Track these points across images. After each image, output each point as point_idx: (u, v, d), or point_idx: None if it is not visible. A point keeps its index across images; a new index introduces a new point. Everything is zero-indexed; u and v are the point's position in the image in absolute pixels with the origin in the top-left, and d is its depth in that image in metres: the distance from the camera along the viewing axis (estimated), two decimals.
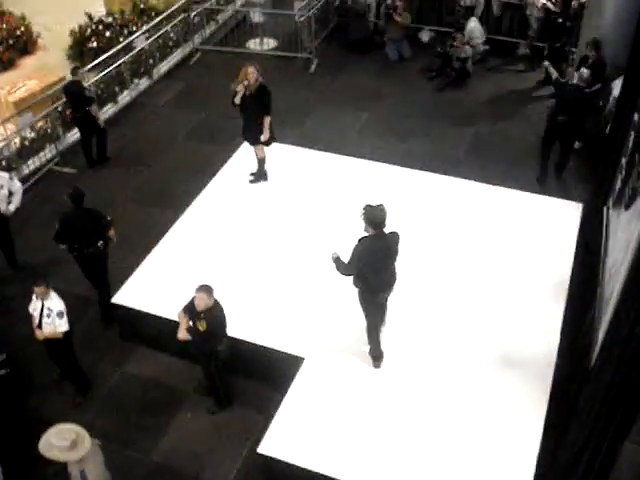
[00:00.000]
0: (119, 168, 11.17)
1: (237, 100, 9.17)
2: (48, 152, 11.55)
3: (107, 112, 12.56)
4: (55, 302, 7.20)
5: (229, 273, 8.35)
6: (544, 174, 10.34)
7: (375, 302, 7.11)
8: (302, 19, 13.73)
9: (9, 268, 9.48)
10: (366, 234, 6.59)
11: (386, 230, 6.62)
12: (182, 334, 7.03)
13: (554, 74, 10.23)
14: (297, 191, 9.65)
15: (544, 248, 8.59)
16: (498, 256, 8.50)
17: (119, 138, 11.88)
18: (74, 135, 11.93)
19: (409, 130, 11.60)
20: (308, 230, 8.92)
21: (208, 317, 6.81)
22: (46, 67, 13.98)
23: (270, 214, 9.30)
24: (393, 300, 7.41)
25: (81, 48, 14.30)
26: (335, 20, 14.83)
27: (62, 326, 7.24)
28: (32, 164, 11.35)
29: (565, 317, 7.69)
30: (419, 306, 7.90)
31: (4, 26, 15.02)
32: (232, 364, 7.35)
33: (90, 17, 14.93)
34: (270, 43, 14.64)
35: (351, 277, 6.85)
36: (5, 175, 9.13)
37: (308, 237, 8.81)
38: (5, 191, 8.95)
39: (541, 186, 10.15)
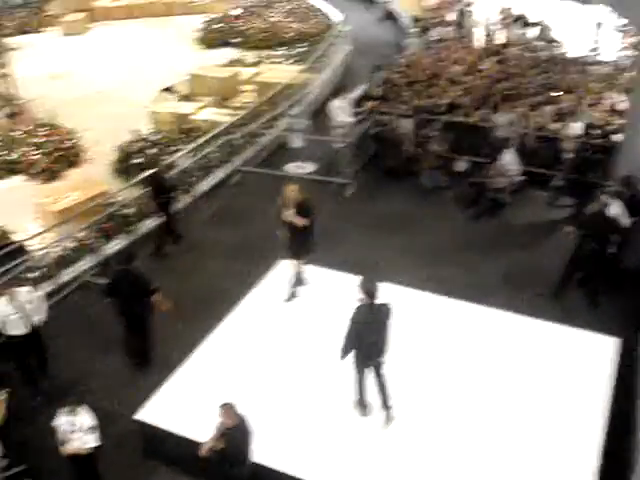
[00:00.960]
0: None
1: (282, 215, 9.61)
2: (88, 262, 11.76)
3: (147, 224, 12.86)
4: (85, 417, 7.17)
5: (257, 393, 8.29)
6: (562, 290, 10.44)
7: (365, 364, 7.74)
8: (341, 146, 14.16)
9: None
10: (360, 303, 7.50)
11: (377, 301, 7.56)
12: (204, 450, 6.88)
13: (573, 234, 10.35)
14: (328, 313, 9.64)
15: (578, 383, 8.43)
16: (529, 390, 8.34)
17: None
18: (113, 248, 12.20)
19: (442, 258, 11.66)
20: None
21: (227, 437, 6.67)
22: (91, 179, 14.40)
23: (301, 334, 9.33)
24: (417, 436, 7.24)
25: (126, 163, 14.84)
26: (373, 148, 15.21)
27: (91, 442, 7.18)
28: (70, 273, 11.53)
29: (601, 462, 7.44)
30: (448, 439, 7.72)
31: (54, 139, 15.74)
32: None
33: (138, 134, 15.61)
34: (308, 167, 15.05)
35: None
36: (25, 289, 9.08)
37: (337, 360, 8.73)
38: (34, 304, 8.97)
39: (557, 299, 10.33)
